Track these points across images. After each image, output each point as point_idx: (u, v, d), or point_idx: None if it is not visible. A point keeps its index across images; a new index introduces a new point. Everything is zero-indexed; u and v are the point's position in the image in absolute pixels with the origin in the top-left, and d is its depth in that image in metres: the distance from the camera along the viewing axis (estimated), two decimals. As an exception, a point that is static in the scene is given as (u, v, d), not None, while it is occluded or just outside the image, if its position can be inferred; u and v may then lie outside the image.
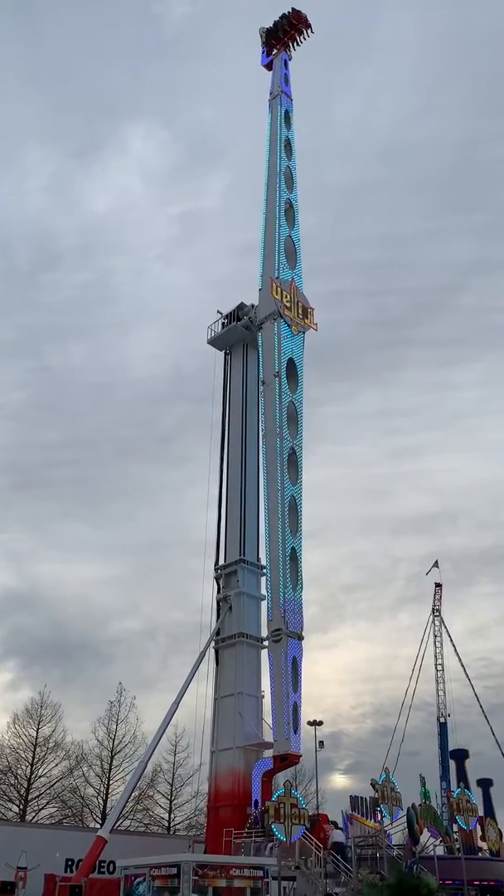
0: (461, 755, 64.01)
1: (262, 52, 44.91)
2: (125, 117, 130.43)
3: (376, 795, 29.13)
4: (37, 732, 50.25)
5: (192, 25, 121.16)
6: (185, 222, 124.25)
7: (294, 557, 34.02)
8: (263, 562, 35.89)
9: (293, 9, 43.64)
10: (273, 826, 25.82)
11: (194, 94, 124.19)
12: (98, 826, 41.22)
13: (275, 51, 44.22)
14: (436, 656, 70.13)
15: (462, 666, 67.34)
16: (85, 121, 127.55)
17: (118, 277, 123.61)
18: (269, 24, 44.67)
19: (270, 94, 43.33)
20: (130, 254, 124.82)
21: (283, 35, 43.91)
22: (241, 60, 48.90)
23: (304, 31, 43.98)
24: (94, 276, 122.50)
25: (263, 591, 35.62)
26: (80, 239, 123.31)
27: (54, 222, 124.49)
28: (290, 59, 44.38)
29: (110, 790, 49.93)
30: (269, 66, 44.48)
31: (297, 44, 44.37)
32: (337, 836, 29.66)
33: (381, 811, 28.92)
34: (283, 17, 43.80)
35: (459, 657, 67.66)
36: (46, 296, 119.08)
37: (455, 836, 32.97)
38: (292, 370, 37.06)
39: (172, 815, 52.13)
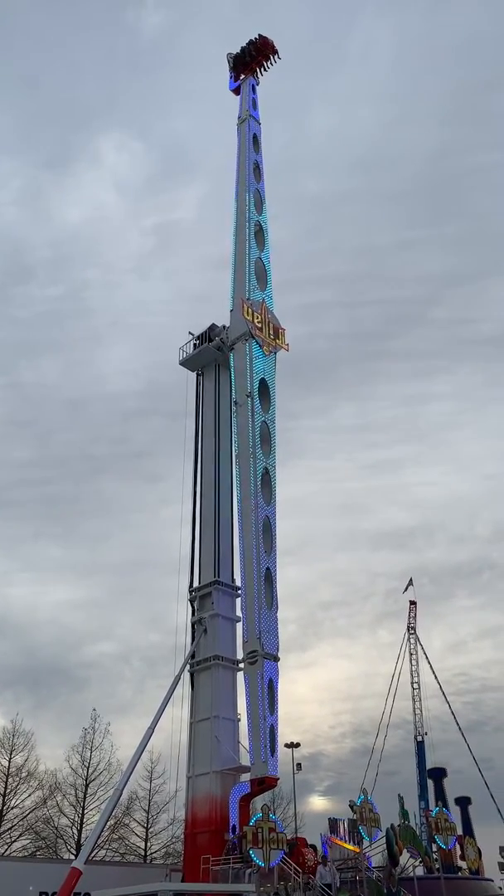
0: (439, 774, 63.96)
1: (230, 78, 45.52)
2: (98, 128, 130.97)
3: (355, 817, 28.91)
4: (9, 762, 49.26)
5: (166, 35, 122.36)
6: (159, 234, 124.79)
7: (269, 578, 33.91)
8: (238, 583, 35.74)
9: (260, 35, 44.26)
10: (251, 851, 25.47)
11: (168, 105, 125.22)
12: (73, 857, 40.31)
13: (242, 76, 44.84)
14: (412, 674, 70.20)
15: (439, 684, 67.44)
16: (57, 131, 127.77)
17: (92, 291, 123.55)
18: (246, 34, 45.46)
19: (239, 118, 43.86)
20: (104, 267, 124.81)
21: (251, 60, 44.54)
22: (216, 70, 49.07)
23: (272, 57, 44.65)
24: (67, 289, 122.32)
25: (238, 613, 35.38)
26: (53, 252, 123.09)
27: (26, 235, 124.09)
28: (257, 84, 45.02)
29: (85, 820, 48.99)
30: (237, 91, 45.08)
31: (265, 69, 45.04)
32: (324, 876, 28.85)
33: (359, 833, 28.68)
34: (251, 42, 44.41)
35: (436, 675, 67.77)
36: (18, 310, 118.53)
37: (434, 856, 32.81)
38: (264, 390, 37.20)
39: (149, 844, 51.22)
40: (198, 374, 41.90)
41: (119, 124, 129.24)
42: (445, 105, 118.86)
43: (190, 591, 36.98)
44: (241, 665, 33.70)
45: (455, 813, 49.65)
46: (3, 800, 47.95)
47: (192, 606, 36.68)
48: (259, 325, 37.77)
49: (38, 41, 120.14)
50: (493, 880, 38.86)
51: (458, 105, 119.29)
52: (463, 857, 34.66)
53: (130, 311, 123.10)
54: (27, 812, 48.52)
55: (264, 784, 30.85)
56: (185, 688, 34.79)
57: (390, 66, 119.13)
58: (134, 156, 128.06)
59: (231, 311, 38.85)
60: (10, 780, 48.57)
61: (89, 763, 50.46)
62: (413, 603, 72.91)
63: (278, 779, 32.28)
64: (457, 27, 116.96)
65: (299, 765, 48.23)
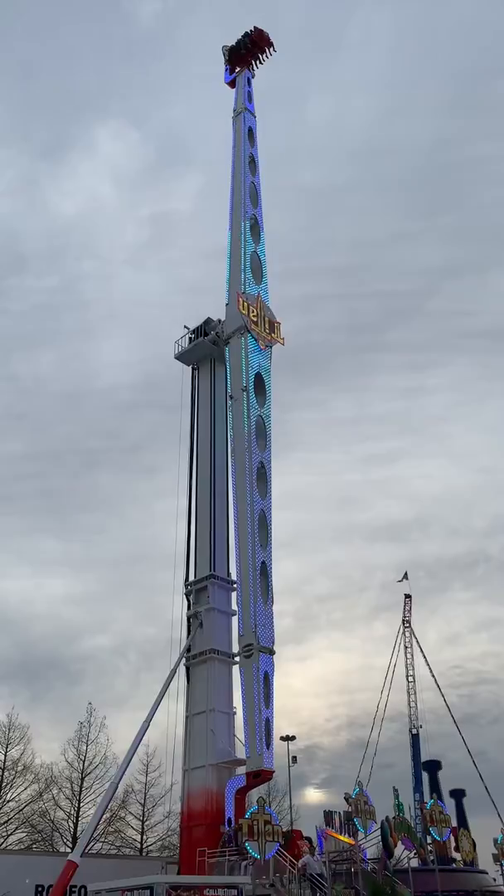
0: (433, 766, 64.39)
1: (226, 70, 45.38)
2: (94, 117, 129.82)
3: (350, 809, 29.00)
4: (5, 756, 49.32)
5: (163, 23, 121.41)
6: (155, 225, 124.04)
7: (264, 571, 33.96)
8: (234, 576, 35.79)
9: (255, 28, 44.07)
10: (247, 844, 25.56)
11: (165, 94, 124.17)
12: (69, 850, 40.42)
13: (237, 69, 44.66)
14: (407, 667, 70.50)
15: (433, 677, 67.67)
16: (52, 121, 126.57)
17: (87, 283, 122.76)
18: (243, 22, 45.54)
19: (234, 111, 43.73)
20: (99, 258, 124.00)
21: (246, 53, 44.37)
22: (214, 58, 48.59)
23: (267, 50, 44.50)
24: (62, 280, 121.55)
25: (234, 607, 35.44)
26: (48, 242, 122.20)
27: (20, 225, 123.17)
28: (253, 77, 44.86)
29: (81, 813, 49.10)
30: (232, 84, 44.93)
31: (260, 62, 44.88)
32: (312, 866, 28.90)
33: (354, 825, 28.77)
34: (246, 35, 44.23)
35: (431, 669, 68.01)
36: (12, 302, 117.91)
37: (429, 848, 32.96)
38: (260, 385, 37.17)
39: (145, 837, 51.38)
40: (193, 368, 41.81)
41: (115, 113, 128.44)
42: (444, 95, 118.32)
43: (186, 585, 36.99)
44: (237, 658, 33.78)
45: (450, 805, 50.06)
46: (0, 793, 48.07)
47: (188, 600, 36.70)
48: (255, 320, 37.72)
49: (34, 29, 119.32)
50: (487, 872, 39.10)
51: (457, 95, 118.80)
52: (457, 849, 34.73)
53: (126, 303, 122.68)
54: (23, 805, 48.66)
55: (260, 777, 30.98)
56: (180, 681, 34.88)
57: (388, 55, 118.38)
58: (130, 145, 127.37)
59: (227, 305, 38.79)
60: (6, 773, 48.68)
61: (85, 757, 50.58)
62: (408, 596, 73.20)
63: (274, 772, 32.44)
64: (456, 15, 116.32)
65: (295, 758, 48.47)
